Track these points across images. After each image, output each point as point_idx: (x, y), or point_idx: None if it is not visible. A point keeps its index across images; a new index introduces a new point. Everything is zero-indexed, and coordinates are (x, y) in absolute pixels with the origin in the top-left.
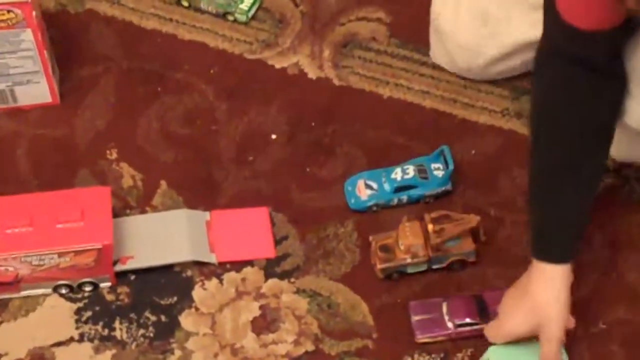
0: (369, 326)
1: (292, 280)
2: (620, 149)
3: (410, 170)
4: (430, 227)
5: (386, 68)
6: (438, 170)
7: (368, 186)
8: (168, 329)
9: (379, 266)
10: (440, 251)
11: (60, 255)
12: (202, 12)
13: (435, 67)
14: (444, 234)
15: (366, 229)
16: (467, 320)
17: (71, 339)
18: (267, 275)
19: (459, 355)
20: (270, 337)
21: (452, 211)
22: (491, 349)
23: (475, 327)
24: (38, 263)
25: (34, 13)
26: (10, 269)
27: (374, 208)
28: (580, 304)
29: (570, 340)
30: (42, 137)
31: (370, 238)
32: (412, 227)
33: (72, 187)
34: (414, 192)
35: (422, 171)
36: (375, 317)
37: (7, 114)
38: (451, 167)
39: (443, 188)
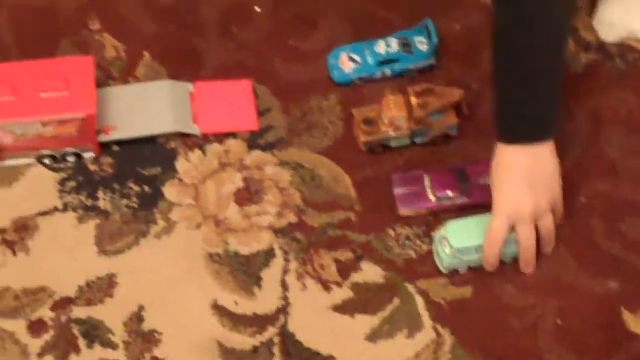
0: (351, 198)
1: (275, 152)
2: (608, 32)
3: (394, 44)
4: (413, 100)
5: None
6: (422, 43)
7: (351, 59)
8: (151, 200)
9: (362, 139)
10: (423, 124)
11: (43, 124)
12: None
13: None
14: (428, 107)
15: (349, 102)
16: (449, 193)
17: (55, 209)
18: (250, 147)
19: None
20: (253, 208)
21: (436, 85)
22: (448, 224)
23: (456, 200)
24: (21, 132)
25: None
26: None
27: (357, 81)
28: (562, 178)
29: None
30: (23, 6)
31: (353, 111)
32: (395, 100)
33: (54, 58)
34: (398, 66)
35: (405, 44)
36: (358, 189)
37: None
38: (435, 40)
39: (427, 62)
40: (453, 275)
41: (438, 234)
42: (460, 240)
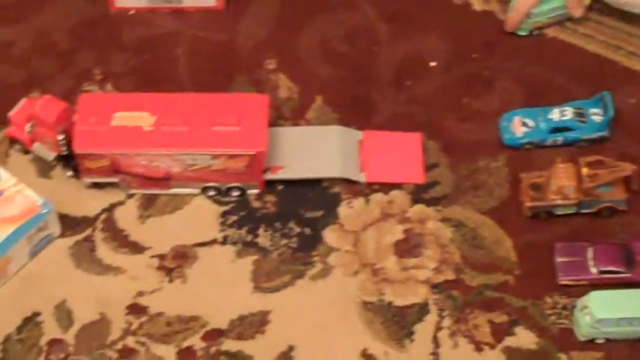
0: (511, 262)
1: (439, 208)
2: None
3: (569, 112)
4: (584, 170)
5: None
6: (596, 115)
7: (524, 123)
8: (311, 242)
9: (528, 204)
10: (592, 196)
11: (213, 157)
12: None
13: (602, 11)
14: (597, 179)
15: (517, 165)
16: (612, 267)
17: (214, 241)
18: (414, 200)
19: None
20: (412, 261)
21: (606, 157)
22: (592, 293)
23: (619, 275)
24: (190, 163)
25: None
26: (162, 165)
27: (527, 146)
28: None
29: None
30: (202, 40)
31: (522, 175)
32: (566, 168)
33: (228, 92)
34: (570, 135)
35: (580, 114)
36: (519, 254)
37: (170, 14)
38: (611, 113)
39: (600, 133)
40: (610, 349)
41: (580, 302)
42: (602, 311)
